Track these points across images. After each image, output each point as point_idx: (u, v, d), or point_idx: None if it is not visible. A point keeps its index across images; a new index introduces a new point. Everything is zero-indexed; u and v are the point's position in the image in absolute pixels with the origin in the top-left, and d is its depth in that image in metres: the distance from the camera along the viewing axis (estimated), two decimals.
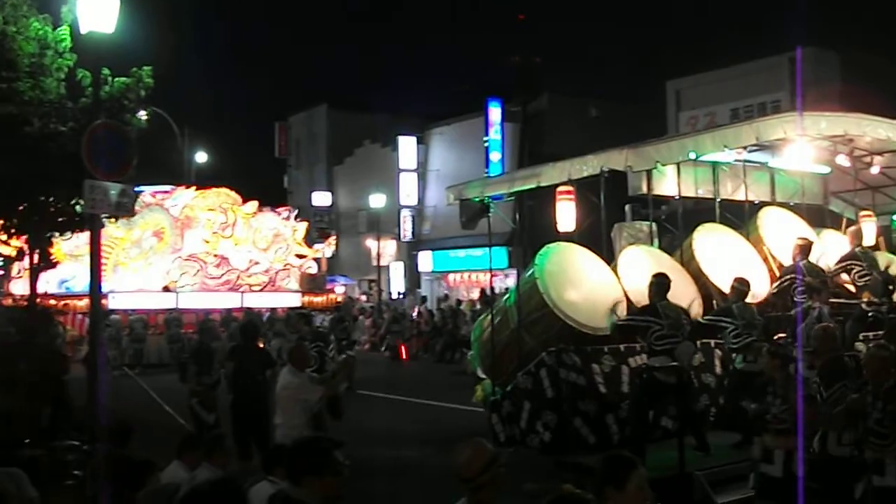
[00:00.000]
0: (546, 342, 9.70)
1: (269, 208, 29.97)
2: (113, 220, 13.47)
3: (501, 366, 10.45)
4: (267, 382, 9.86)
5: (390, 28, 71.88)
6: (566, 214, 11.08)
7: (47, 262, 14.89)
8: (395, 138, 39.29)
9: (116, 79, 12.78)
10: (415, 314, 29.86)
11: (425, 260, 38.32)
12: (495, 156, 34.31)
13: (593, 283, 10.17)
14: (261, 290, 28.09)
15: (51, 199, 13.20)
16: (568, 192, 11.07)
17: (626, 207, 16.96)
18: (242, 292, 27.35)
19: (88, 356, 11.08)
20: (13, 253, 25.07)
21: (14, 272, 26.19)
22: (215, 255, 27.50)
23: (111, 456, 5.86)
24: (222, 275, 27.31)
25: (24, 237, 14.26)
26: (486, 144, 34.32)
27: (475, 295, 29.85)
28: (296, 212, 31.52)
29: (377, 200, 36.59)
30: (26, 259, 24.38)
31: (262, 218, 29.45)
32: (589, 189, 10.94)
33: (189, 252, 27.23)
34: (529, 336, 10.05)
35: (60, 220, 13.61)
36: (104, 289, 24.86)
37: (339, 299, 30.69)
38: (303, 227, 30.95)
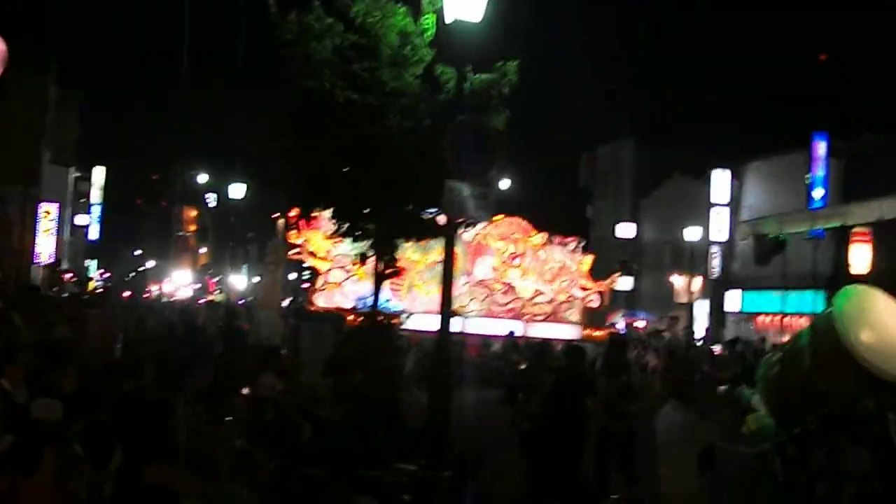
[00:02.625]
0: (840, 386, 9.45)
1: (557, 239, 30.49)
2: (470, 226, 13.18)
3: (789, 407, 10.28)
4: (588, 414, 9.42)
5: (701, 60, 70.53)
6: (860, 257, 10.59)
7: (394, 270, 14.37)
8: (706, 172, 38.75)
9: (476, 75, 12.05)
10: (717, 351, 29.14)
11: (733, 299, 37.48)
12: (818, 192, 32.87)
13: (893, 328, 9.70)
14: (543, 321, 28.73)
15: (401, 201, 12.68)
16: (863, 234, 10.58)
17: None
18: (526, 321, 28.17)
19: (432, 377, 10.70)
20: (321, 266, 27.44)
21: (318, 284, 28.51)
22: (503, 283, 28.62)
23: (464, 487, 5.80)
24: (508, 302, 28.40)
25: (369, 242, 13.76)
26: (807, 181, 33.00)
27: (785, 339, 28.50)
28: (583, 243, 31.80)
29: (687, 234, 36.13)
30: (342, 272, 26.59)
31: (550, 250, 30.14)
32: (887, 231, 10.40)
33: (478, 278, 28.53)
34: (822, 378, 9.82)
35: (408, 225, 13.12)
36: (397, 308, 26.75)
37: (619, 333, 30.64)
38: (588, 259, 31.25)
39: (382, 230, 13.16)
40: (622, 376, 10.08)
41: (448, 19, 8.42)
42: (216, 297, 61.85)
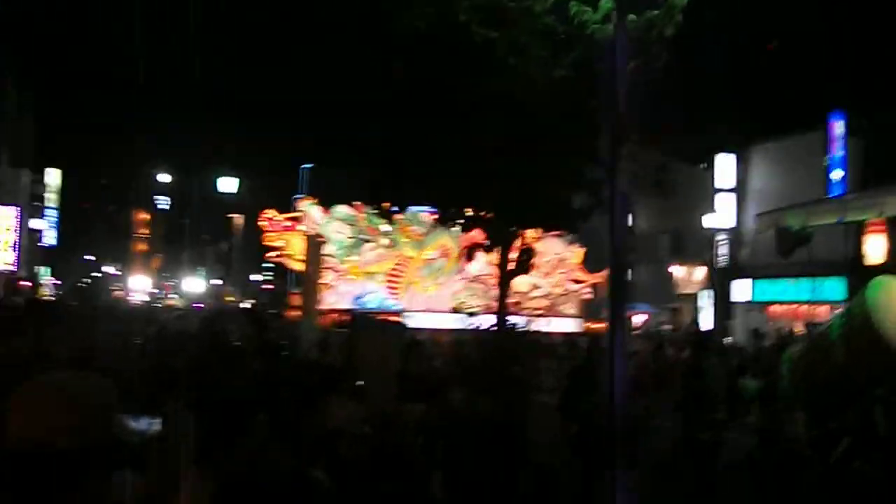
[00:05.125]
0: (878, 378, 9.82)
1: (553, 233, 30.80)
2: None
3: (819, 402, 10.64)
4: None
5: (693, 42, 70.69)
6: (876, 247, 10.96)
7: (521, 268, 12.25)
8: (707, 157, 39.02)
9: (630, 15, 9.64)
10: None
11: (742, 289, 37.90)
12: (837, 174, 33.13)
13: None
14: (541, 315, 29.27)
15: (529, 176, 10.53)
16: (878, 224, 10.94)
17: None
18: (525, 316, 28.44)
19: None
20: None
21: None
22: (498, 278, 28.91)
23: None
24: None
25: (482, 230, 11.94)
26: (825, 163, 33.38)
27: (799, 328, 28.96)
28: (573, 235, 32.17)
29: (689, 222, 36.40)
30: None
31: (548, 243, 30.40)
32: None
33: (473, 275, 28.88)
34: (858, 372, 10.20)
35: (539, 207, 11.02)
36: (396, 307, 27.02)
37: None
38: (580, 252, 31.66)
39: (503, 214, 11.47)
40: (699, 380, 9.88)
41: None
42: (173, 300, 62.09)
